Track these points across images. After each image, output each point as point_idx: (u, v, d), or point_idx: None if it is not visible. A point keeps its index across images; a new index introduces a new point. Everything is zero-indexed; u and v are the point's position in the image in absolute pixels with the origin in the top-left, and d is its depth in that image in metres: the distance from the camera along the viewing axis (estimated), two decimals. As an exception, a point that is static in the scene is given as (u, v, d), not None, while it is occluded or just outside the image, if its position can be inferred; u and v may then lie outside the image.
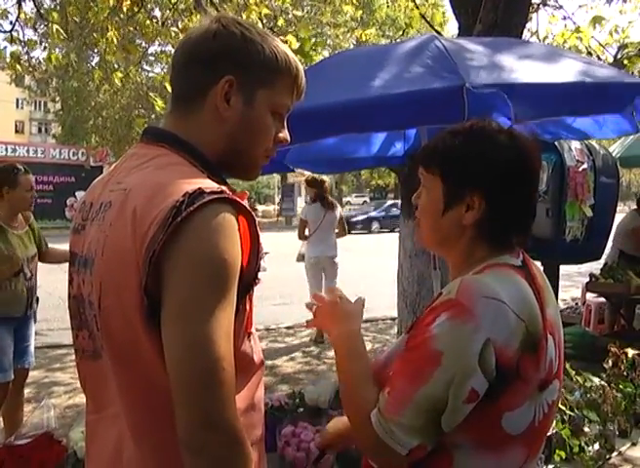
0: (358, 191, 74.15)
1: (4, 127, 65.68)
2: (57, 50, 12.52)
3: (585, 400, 4.73)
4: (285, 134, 1.68)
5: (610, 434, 4.54)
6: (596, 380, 5.02)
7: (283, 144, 1.69)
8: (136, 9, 10.59)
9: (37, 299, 5.06)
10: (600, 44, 12.34)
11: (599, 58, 11.68)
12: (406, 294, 6.83)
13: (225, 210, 1.38)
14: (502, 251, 1.69)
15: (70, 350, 8.28)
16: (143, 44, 14.69)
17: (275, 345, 9.22)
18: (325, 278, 9.09)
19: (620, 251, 8.71)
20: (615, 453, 4.54)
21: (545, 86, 4.05)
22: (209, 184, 1.41)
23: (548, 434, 3.89)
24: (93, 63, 28.11)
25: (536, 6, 11.28)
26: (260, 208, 51.13)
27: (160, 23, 11.16)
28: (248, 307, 1.54)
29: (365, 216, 38.19)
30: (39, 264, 5.03)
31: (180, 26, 10.94)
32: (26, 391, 5.32)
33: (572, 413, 4.46)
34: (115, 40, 10.24)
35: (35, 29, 15.90)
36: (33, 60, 11.33)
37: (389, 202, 41.75)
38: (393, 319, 9.30)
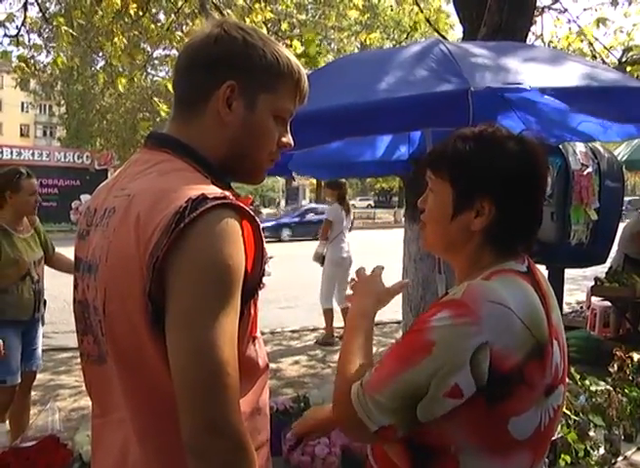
0: (363, 194, 74.28)
1: (9, 130, 65.99)
2: (62, 54, 12.50)
3: (591, 404, 4.72)
4: (288, 138, 1.68)
5: (615, 438, 4.53)
6: (601, 384, 5.01)
7: (287, 148, 1.69)
8: (140, 13, 10.62)
9: (45, 303, 5.08)
10: (605, 47, 12.32)
11: (604, 62, 11.66)
12: (410, 298, 6.82)
13: (229, 215, 1.38)
14: (508, 257, 1.70)
15: (76, 353, 8.26)
16: (148, 48, 14.70)
17: (280, 349, 9.21)
18: (338, 279, 9.23)
19: (624, 254, 8.70)
20: (620, 458, 4.53)
21: (550, 89, 4.05)
22: (212, 190, 1.41)
23: (554, 438, 3.89)
24: (97, 67, 28.19)
25: (540, 9, 11.26)
26: (265, 211, 51.15)
27: (165, 28, 11.18)
28: (253, 312, 1.54)
29: (274, 223, 32.81)
30: (45, 268, 5.05)
31: (185, 30, 10.97)
32: (32, 394, 5.32)
33: (577, 418, 4.45)
34: (121, 44, 10.27)
35: (40, 34, 15.95)
36: (38, 64, 11.35)
37: (307, 206, 38.04)
38: (398, 322, 9.30)
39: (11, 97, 59.04)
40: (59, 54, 12.12)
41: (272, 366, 7.78)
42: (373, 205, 70.16)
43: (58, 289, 5.25)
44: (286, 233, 32.21)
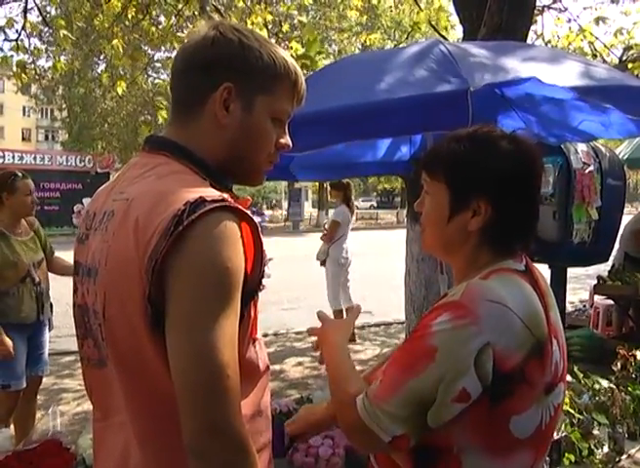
0: (365, 195, 74.28)
1: (11, 134, 66.09)
2: (62, 57, 12.54)
3: (594, 402, 4.71)
4: (286, 139, 1.68)
5: (619, 437, 4.52)
6: (605, 383, 5.00)
7: (285, 150, 1.69)
8: (140, 16, 10.63)
9: (51, 306, 5.09)
10: (605, 46, 12.32)
11: (604, 61, 11.67)
12: (413, 299, 6.83)
13: (227, 217, 1.38)
14: (506, 255, 1.70)
15: (78, 357, 8.28)
16: (149, 51, 14.73)
17: (283, 350, 9.22)
18: (342, 278, 9.38)
19: (625, 253, 8.70)
20: (624, 456, 4.52)
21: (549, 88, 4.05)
22: (210, 192, 1.41)
23: (557, 437, 3.90)
24: (99, 70, 28.24)
25: (541, 8, 11.27)
26: (268, 213, 51.18)
27: (165, 30, 11.19)
28: (252, 313, 1.54)
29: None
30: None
31: (186, 33, 10.98)
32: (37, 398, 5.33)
33: (580, 416, 4.44)
34: (121, 47, 10.28)
35: (41, 37, 15.98)
36: (39, 69, 11.37)
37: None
38: (402, 323, 9.31)
39: (12, 101, 59.07)
40: (59, 58, 12.14)
41: (276, 367, 7.80)
42: (375, 205, 70.32)
43: (59, 292, 5.25)
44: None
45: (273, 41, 1.67)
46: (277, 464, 1.75)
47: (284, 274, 11.29)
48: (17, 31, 10.12)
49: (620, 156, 9.04)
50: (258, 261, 1.49)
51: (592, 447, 4.29)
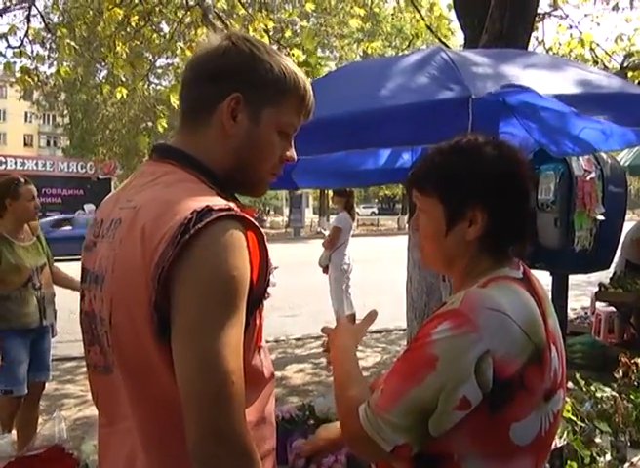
0: (366, 202, 74.25)
1: (13, 140, 66.14)
2: (64, 64, 12.56)
3: (596, 410, 4.70)
4: (292, 152, 1.69)
5: (621, 445, 4.51)
6: (607, 391, 4.99)
7: (289, 162, 1.70)
8: (142, 23, 10.66)
9: (55, 312, 5.10)
10: (606, 52, 12.34)
11: (605, 67, 11.68)
12: (415, 306, 6.82)
13: (234, 226, 1.39)
14: (504, 262, 1.72)
15: (81, 362, 8.30)
16: (151, 57, 14.75)
17: (285, 357, 9.21)
18: (344, 284, 9.42)
19: (626, 260, 8.70)
20: (627, 464, 4.51)
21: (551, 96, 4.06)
22: (217, 201, 1.42)
23: (559, 445, 3.89)
24: (101, 77, 28.26)
25: (542, 15, 11.29)
26: (269, 219, 51.17)
27: (167, 37, 11.22)
28: (258, 322, 1.55)
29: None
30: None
31: (187, 40, 11.01)
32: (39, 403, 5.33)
33: (583, 424, 4.44)
34: (124, 54, 10.31)
35: (43, 44, 16.00)
36: (42, 75, 11.40)
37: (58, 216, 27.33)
38: (403, 330, 9.30)
39: (14, 107, 59.08)
40: (61, 64, 12.16)
41: (277, 374, 7.71)
42: (376, 212, 70.27)
43: (61, 298, 5.25)
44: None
45: (275, 48, 1.69)
46: (280, 471, 1.75)
47: (285, 280, 11.28)
48: (19, 38, 10.16)
49: (622, 163, 9.03)
50: (263, 270, 1.50)
51: (594, 455, 4.28)
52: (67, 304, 5.98)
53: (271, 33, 10.98)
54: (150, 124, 33.71)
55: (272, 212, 60.91)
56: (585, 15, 14.14)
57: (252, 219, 1.45)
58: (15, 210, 4.80)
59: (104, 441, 1.66)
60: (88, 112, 37.32)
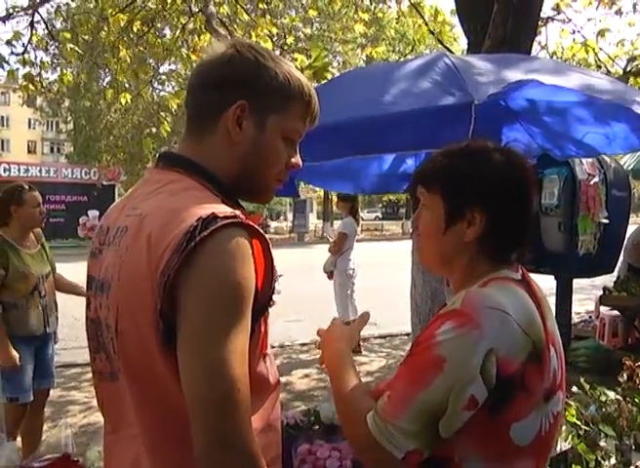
0: (370, 206, 74.24)
1: (16, 147, 66.29)
2: (68, 70, 12.60)
3: (601, 414, 4.70)
4: (297, 159, 1.70)
5: (626, 448, 4.51)
6: (611, 394, 4.98)
7: (295, 169, 1.71)
8: (145, 29, 10.69)
9: (57, 318, 5.10)
10: (609, 57, 12.35)
11: (608, 72, 11.68)
12: (419, 311, 6.80)
13: (239, 234, 1.40)
14: (503, 265, 1.73)
15: (85, 369, 8.31)
16: (154, 64, 14.78)
17: (289, 362, 9.20)
18: (350, 289, 9.43)
19: (628, 264, 8.70)
20: (631, 468, 4.52)
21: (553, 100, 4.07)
22: (223, 209, 1.43)
23: (564, 449, 3.89)
24: (104, 83, 28.32)
25: (544, 20, 11.30)
26: (273, 224, 51.18)
27: (171, 43, 11.24)
28: (263, 329, 1.56)
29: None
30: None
31: (191, 45, 11.03)
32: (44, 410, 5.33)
33: (587, 428, 4.43)
34: (127, 59, 10.33)
35: (47, 50, 16.03)
36: (45, 82, 11.41)
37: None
38: (407, 335, 9.29)
39: (18, 113, 59.27)
40: (65, 71, 12.20)
41: (282, 379, 7.73)
42: (380, 217, 70.22)
43: (65, 304, 5.27)
44: None
45: (278, 53, 1.70)
46: (285, 477, 1.75)
47: (289, 286, 11.29)
48: (23, 45, 10.18)
49: (625, 167, 9.04)
50: (268, 278, 1.50)
51: (599, 458, 4.27)
52: (71, 311, 6.01)
53: (274, 39, 11.00)
54: (154, 130, 33.79)
55: (278, 217, 60.88)
56: (588, 19, 14.16)
57: (257, 227, 1.45)
58: (20, 217, 4.81)
59: (110, 447, 1.66)
60: (91, 118, 37.33)
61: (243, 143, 1.59)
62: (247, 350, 1.39)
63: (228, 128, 1.58)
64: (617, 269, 8.11)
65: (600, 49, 12.12)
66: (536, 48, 11.15)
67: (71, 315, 7.74)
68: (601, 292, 8.21)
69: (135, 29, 10.47)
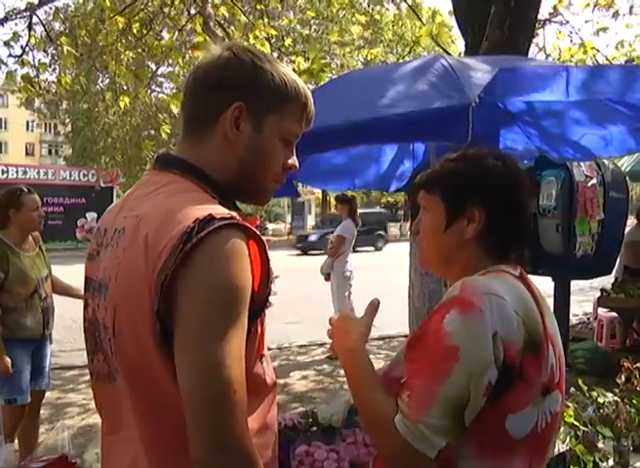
0: (369, 208, 74.15)
1: (15, 149, 66.31)
2: (66, 72, 12.59)
3: (599, 416, 4.70)
4: (294, 160, 1.70)
5: (624, 450, 4.51)
6: (609, 396, 4.99)
7: (292, 170, 1.72)
8: (144, 31, 10.69)
9: (53, 321, 5.10)
10: (607, 58, 12.36)
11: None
12: (417, 312, 6.81)
13: (236, 235, 1.40)
14: (502, 263, 1.76)
15: (83, 371, 8.30)
16: (152, 65, 14.80)
17: (288, 364, 9.20)
18: (347, 291, 9.44)
19: (624, 265, 8.72)
20: (629, 469, 4.52)
21: (550, 102, 4.07)
22: (219, 210, 1.43)
23: (562, 450, 3.89)
24: (102, 85, 28.31)
25: (542, 22, 11.31)
26: (271, 226, 51.14)
27: (169, 45, 11.25)
28: (260, 330, 1.56)
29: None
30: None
31: (189, 47, 11.04)
32: (40, 412, 5.33)
33: (585, 429, 4.44)
34: (126, 60, 10.34)
35: (45, 52, 16.04)
36: (43, 83, 11.42)
37: None
38: (406, 336, 9.29)
39: (16, 115, 59.24)
40: (63, 73, 12.19)
41: (280, 381, 7.77)
42: (379, 218, 70.11)
43: (63, 306, 5.26)
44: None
45: (276, 55, 1.71)
46: (283, 479, 1.75)
47: (287, 287, 11.30)
48: (21, 47, 10.18)
49: (623, 168, 9.05)
50: (265, 279, 1.50)
51: (597, 460, 4.28)
52: (69, 313, 6.00)
53: (272, 40, 11.01)
54: (152, 132, 33.78)
55: (276, 219, 60.87)
56: (586, 21, 14.17)
57: (253, 229, 1.46)
58: (19, 220, 4.80)
59: (107, 449, 1.67)
60: (90, 120, 37.27)
61: (241, 145, 1.59)
62: (243, 351, 1.39)
63: (226, 130, 1.58)
64: (614, 271, 8.12)
65: (598, 51, 12.13)
66: (533, 50, 11.18)
67: (69, 317, 7.74)
68: (599, 294, 8.22)
69: (134, 31, 10.48)
